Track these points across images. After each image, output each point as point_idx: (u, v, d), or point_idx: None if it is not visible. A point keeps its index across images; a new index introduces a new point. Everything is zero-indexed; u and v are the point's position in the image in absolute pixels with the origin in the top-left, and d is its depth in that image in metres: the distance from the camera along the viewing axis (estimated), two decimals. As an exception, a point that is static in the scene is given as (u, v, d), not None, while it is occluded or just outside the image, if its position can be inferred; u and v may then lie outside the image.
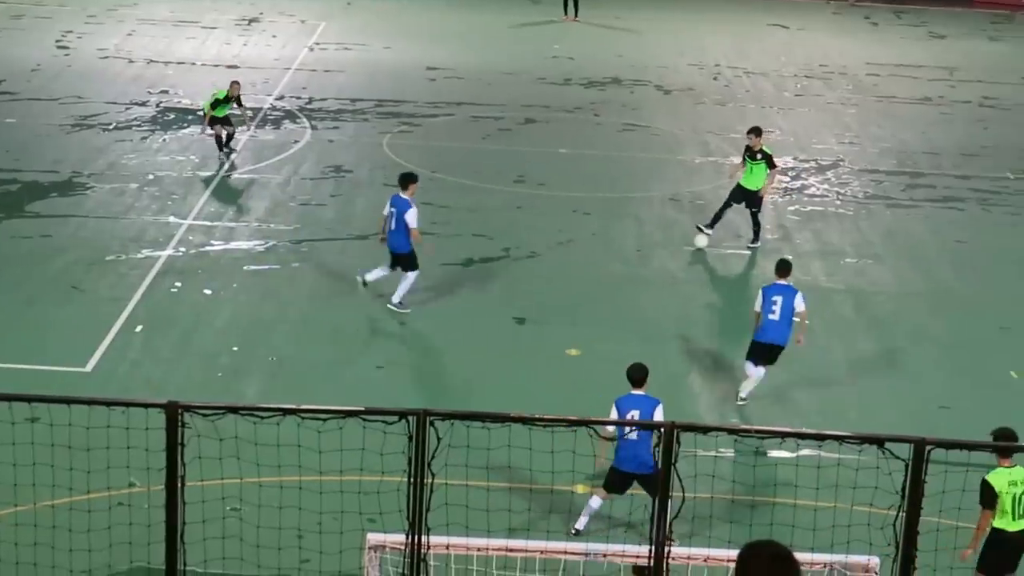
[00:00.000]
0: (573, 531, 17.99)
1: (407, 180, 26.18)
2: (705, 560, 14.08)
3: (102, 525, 15.66)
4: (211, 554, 14.72)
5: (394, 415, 12.21)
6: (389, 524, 14.48)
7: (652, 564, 12.03)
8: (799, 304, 22.59)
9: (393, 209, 25.68)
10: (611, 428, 17.41)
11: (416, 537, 12.35)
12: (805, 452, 19.28)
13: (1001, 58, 51.57)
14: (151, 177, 33.04)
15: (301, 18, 51.62)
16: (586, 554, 14.39)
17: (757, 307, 22.68)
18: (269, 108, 39.42)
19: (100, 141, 35.76)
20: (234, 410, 12.62)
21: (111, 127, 37.00)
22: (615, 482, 18.17)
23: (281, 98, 40.62)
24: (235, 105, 34.70)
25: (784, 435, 14.74)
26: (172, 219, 30.16)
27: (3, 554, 15.15)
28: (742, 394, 23.05)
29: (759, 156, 29.69)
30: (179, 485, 12.29)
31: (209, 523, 13.69)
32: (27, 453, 14.97)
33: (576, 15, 54.02)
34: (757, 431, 13.77)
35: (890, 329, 26.81)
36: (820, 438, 12.99)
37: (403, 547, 12.72)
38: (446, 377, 23.70)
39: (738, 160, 30.74)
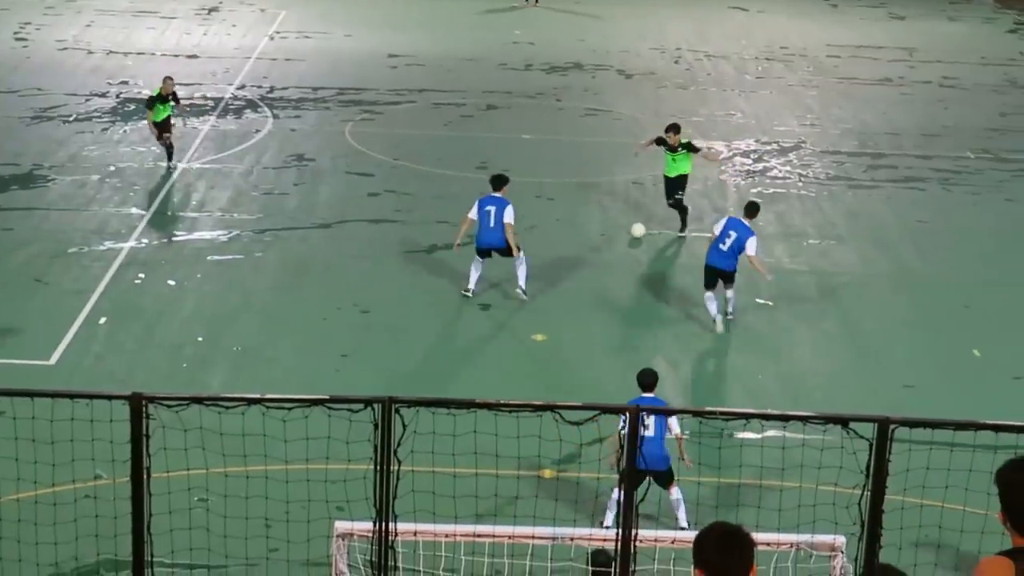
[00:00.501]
0: (604, 526, 17.94)
1: (503, 181, 26.68)
2: (672, 542, 14.12)
3: (68, 518, 15.63)
4: (178, 545, 14.70)
5: (359, 403, 12.19)
6: (356, 512, 14.47)
7: (620, 547, 12.04)
8: (750, 247, 23.72)
9: (490, 208, 25.98)
10: (619, 425, 17.47)
11: (383, 524, 12.34)
12: (770, 433, 19.35)
13: (960, 39, 51.76)
14: (112, 168, 32.96)
15: (261, 7, 51.54)
16: (553, 538, 14.42)
17: (716, 230, 24.66)
18: (230, 98, 39.35)
19: (60, 133, 35.65)
20: (199, 400, 12.58)
21: (71, 119, 36.89)
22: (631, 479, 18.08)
23: (242, 87, 40.54)
24: (173, 103, 33.25)
25: (749, 416, 14.80)
26: (134, 210, 30.10)
27: (-31, 548, 15.12)
28: (718, 326, 24.87)
29: (680, 150, 29.75)
30: (145, 477, 12.25)
31: (176, 514, 13.67)
32: (-9, 447, 14.94)
33: (537, 0, 54.00)
34: (722, 413, 13.78)
35: (853, 309, 26.90)
36: (784, 419, 13.00)
37: (371, 534, 12.71)
38: (412, 364, 23.69)
39: (649, 141, 30.73)
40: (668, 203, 30.17)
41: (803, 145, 37.20)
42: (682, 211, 30.22)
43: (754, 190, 33.18)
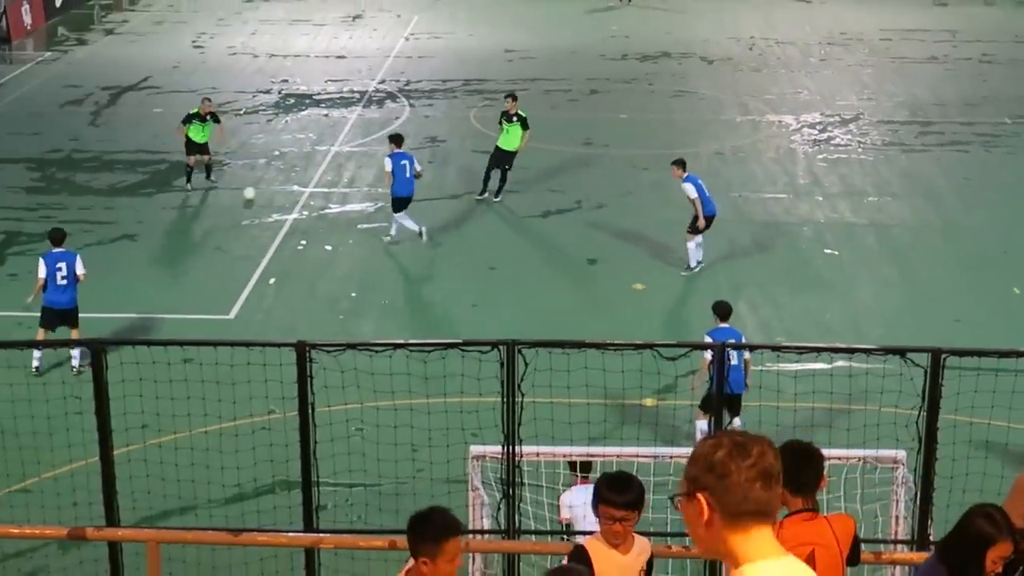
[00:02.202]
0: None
1: (401, 139, 27.43)
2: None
3: (247, 447, 15.79)
4: (339, 467, 14.80)
5: (488, 345, 12.20)
6: (487, 437, 14.50)
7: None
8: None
9: (405, 162, 26.42)
10: (708, 357, 17.26)
11: (511, 447, 12.36)
12: (838, 364, 19.15)
13: (997, 21, 50.72)
14: (276, 153, 33.14)
15: (397, 13, 51.51)
16: (655, 456, 14.37)
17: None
18: (373, 91, 39.40)
19: (232, 124, 35.83)
20: (353, 346, 12.66)
21: (241, 112, 37.12)
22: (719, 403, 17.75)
23: (383, 82, 40.58)
24: (214, 124, 30.11)
25: (819, 349, 14.64)
26: (296, 188, 30.25)
27: (167, 474, 15.31)
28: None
29: (515, 119, 28.89)
30: (310, 411, 12.34)
31: (336, 441, 13.77)
32: (182, 389, 15.12)
33: (630, 0, 53.56)
34: (796, 347, 13.66)
35: (908, 256, 26.55)
36: (850, 351, 12.88)
37: (500, 456, 12.75)
38: (531, 311, 23.66)
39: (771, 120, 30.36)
40: (485, 171, 29.42)
41: (861, 116, 36.68)
42: (503, 181, 29.33)
43: (820, 156, 32.81)
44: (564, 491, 13.97)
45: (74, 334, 20.68)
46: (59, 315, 20.79)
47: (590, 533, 9.45)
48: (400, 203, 26.49)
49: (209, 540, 12.15)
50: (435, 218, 28.43)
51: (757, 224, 28.29)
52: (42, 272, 20.68)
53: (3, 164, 32.51)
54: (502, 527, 12.86)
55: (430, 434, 15.47)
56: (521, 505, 13.18)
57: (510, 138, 29.03)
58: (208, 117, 29.93)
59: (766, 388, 17.50)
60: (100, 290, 24.10)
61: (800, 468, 8.18)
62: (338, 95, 38.89)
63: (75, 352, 20.54)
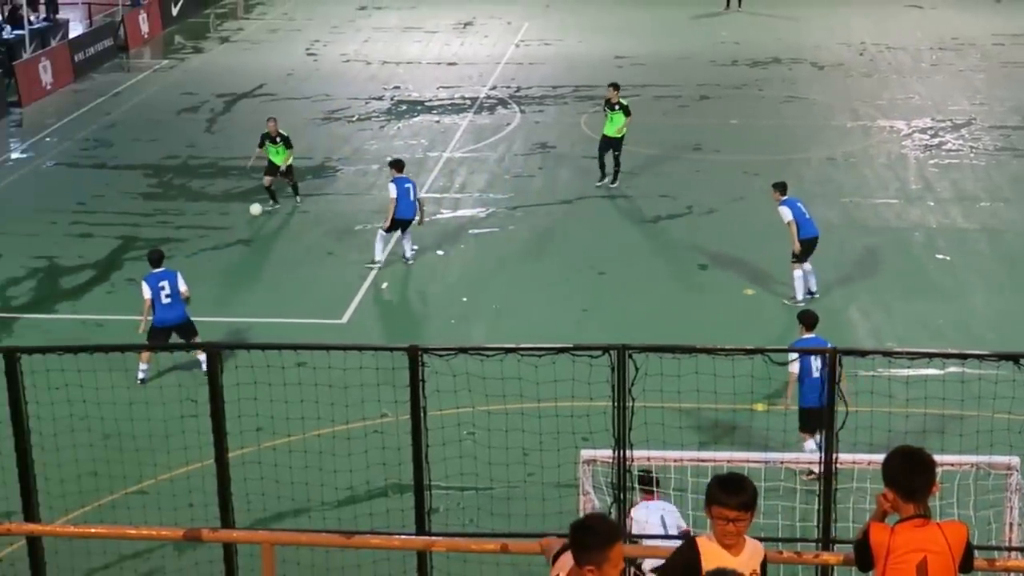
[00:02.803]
0: (807, 475, 16.78)
1: (402, 164, 27.03)
2: (868, 464, 13.85)
3: (359, 450, 15.88)
4: (451, 471, 14.87)
5: (598, 350, 12.16)
6: (598, 441, 14.46)
7: (822, 469, 11.85)
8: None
9: (409, 186, 26.10)
10: (795, 371, 17.08)
11: (622, 452, 12.31)
12: (951, 369, 18.87)
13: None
14: (389, 159, 33.30)
15: (508, 20, 51.59)
16: (765, 462, 14.27)
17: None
18: (484, 97, 39.51)
19: (345, 131, 36.19)
20: (464, 351, 12.68)
21: (353, 119, 37.40)
22: (812, 419, 17.20)
23: (494, 88, 40.68)
24: (286, 150, 29.15)
25: (932, 355, 14.42)
26: (408, 193, 30.37)
27: (281, 476, 15.46)
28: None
29: (617, 107, 30.03)
30: (422, 414, 12.39)
31: (448, 445, 13.82)
32: (296, 392, 15.24)
33: (740, 5, 53.21)
34: (908, 353, 13.47)
35: (1020, 261, 26.13)
36: (963, 357, 12.67)
37: (611, 460, 12.70)
38: (641, 316, 23.59)
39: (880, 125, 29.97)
40: (598, 158, 30.80)
41: (973, 121, 36.13)
42: (617, 165, 30.67)
43: (931, 161, 32.38)
44: (633, 505, 13.87)
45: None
46: (172, 331, 21.17)
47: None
48: (398, 224, 26.15)
49: (323, 542, 12.22)
50: (544, 223, 28.46)
51: (868, 230, 27.96)
52: (147, 293, 21.00)
53: (121, 170, 33.04)
54: (612, 531, 12.80)
55: (541, 438, 15.46)
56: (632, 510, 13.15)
57: (613, 125, 30.23)
58: (278, 139, 29.15)
59: (878, 394, 17.25)
60: (214, 294, 24.45)
61: (912, 474, 8.10)
62: (449, 101, 39.05)
63: (202, 356, 20.81)
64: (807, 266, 24.09)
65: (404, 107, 38.60)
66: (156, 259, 21.62)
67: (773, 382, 17.02)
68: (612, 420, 12.25)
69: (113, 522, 15.48)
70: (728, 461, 13.77)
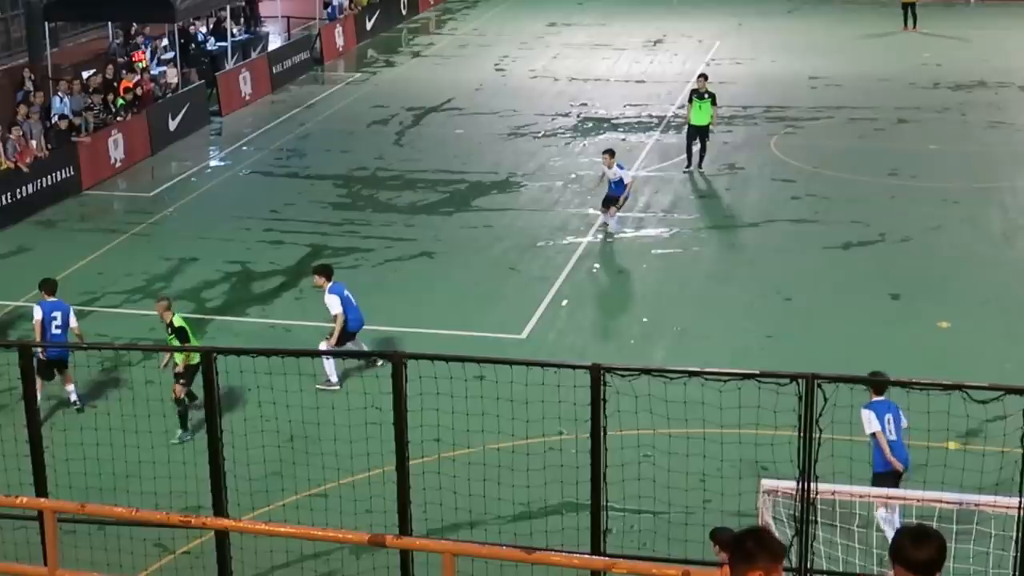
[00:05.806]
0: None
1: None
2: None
3: (537, 466, 15.84)
4: (628, 492, 14.73)
5: (786, 377, 11.98)
6: (781, 471, 14.23)
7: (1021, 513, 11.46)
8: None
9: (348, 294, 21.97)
10: (877, 428, 16.12)
11: (806, 484, 12.09)
12: None
13: None
14: (573, 176, 33.35)
15: (699, 38, 51.32)
16: (959, 503, 13.84)
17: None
18: (671, 116, 39.31)
19: (531, 147, 36.30)
20: (648, 372, 12.60)
21: (540, 135, 37.50)
22: (890, 480, 16.19)
23: (682, 107, 40.37)
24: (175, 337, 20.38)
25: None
26: (591, 211, 30.29)
27: (459, 488, 15.49)
28: None
29: (705, 96, 32.60)
30: (601, 434, 12.31)
31: (626, 466, 13.69)
32: (476, 405, 15.25)
33: (915, 25, 52.06)
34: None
35: None
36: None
37: (794, 492, 12.48)
38: (828, 344, 23.16)
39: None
40: (686, 146, 33.41)
41: None
42: (703, 151, 33.18)
43: None
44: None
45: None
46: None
47: None
48: (347, 338, 21.81)
49: (503, 556, 12.20)
50: (730, 245, 28.17)
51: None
52: (38, 315, 20.87)
53: (312, 180, 33.64)
54: (793, 566, 12.58)
55: (721, 464, 15.29)
56: (814, 544, 12.87)
57: (701, 114, 32.68)
58: (169, 330, 20.36)
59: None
60: (397, 305, 24.68)
61: (920, 550, 7.37)
62: (636, 119, 38.95)
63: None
64: None
65: (590, 124, 38.60)
66: (51, 288, 21.29)
67: (970, 420, 16.48)
68: (797, 451, 12.04)
69: (296, 522, 15.72)
70: (919, 501, 13.41)
